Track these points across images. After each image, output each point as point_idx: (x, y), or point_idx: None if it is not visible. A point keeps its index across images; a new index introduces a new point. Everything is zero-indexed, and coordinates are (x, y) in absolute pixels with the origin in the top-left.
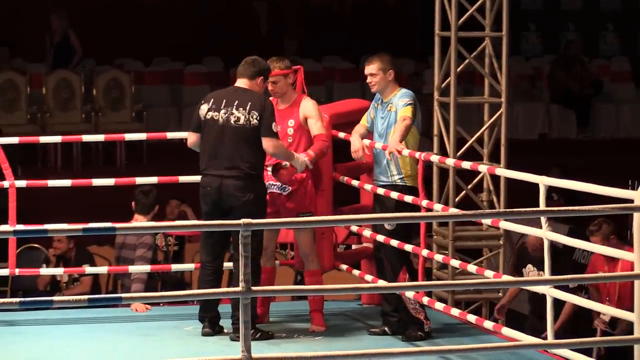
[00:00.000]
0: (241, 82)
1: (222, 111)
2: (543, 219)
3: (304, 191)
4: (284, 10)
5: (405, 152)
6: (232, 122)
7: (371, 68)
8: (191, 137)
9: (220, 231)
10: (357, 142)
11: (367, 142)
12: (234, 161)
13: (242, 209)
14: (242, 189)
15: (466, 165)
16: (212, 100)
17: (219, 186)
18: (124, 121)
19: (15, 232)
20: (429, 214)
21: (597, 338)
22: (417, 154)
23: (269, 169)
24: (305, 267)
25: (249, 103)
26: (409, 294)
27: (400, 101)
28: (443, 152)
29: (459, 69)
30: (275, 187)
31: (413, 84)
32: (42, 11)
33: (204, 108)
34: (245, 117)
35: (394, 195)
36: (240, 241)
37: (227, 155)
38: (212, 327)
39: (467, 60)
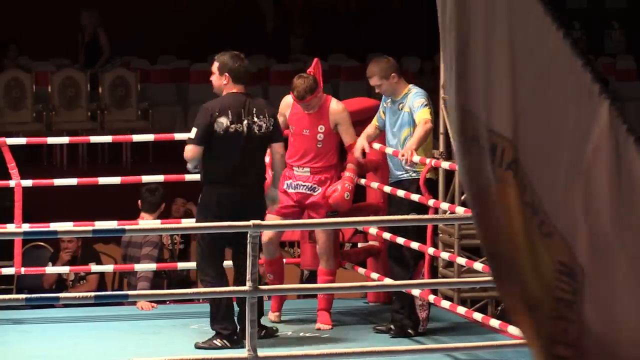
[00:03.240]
0: (241, 89)
1: (245, 122)
2: None
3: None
4: (290, 8)
5: (416, 158)
6: (256, 131)
7: (373, 80)
8: (197, 151)
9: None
10: (359, 141)
11: (377, 145)
12: (260, 170)
13: (257, 214)
14: (262, 195)
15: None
16: (229, 111)
17: (243, 199)
18: (129, 119)
19: (25, 234)
20: (437, 216)
21: None
22: (427, 160)
23: (297, 169)
24: (320, 265)
25: (265, 109)
26: (416, 292)
27: (415, 102)
28: (449, 150)
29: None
30: (305, 187)
31: (419, 82)
32: (48, 8)
33: (223, 121)
34: (266, 124)
35: (401, 193)
36: (248, 241)
37: (255, 165)
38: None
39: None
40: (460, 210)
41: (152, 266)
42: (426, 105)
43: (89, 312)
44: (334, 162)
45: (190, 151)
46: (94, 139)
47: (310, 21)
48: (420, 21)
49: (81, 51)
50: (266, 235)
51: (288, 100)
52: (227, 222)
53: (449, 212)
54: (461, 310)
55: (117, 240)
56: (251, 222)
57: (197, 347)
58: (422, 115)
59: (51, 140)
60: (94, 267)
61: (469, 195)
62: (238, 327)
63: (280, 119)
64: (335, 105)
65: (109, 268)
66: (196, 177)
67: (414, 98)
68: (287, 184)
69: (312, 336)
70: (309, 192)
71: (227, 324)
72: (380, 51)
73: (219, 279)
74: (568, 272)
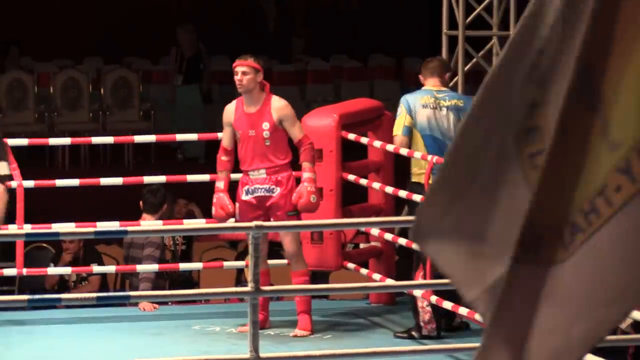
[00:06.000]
0: None
1: None
2: None
3: (289, 190)
4: (292, 8)
5: (418, 154)
6: None
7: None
8: None
9: None
10: None
11: (377, 143)
12: None
13: None
14: None
15: None
16: None
17: None
18: (131, 120)
19: (27, 235)
20: None
21: (608, 337)
22: (429, 157)
23: (252, 173)
24: (291, 268)
25: None
26: (418, 293)
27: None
28: None
29: (466, 68)
30: (263, 189)
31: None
32: (51, 9)
33: None
34: None
35: (403, 194)
36: (250, 242)
37: None
38: None
39: (474, 60)
40: None
41: (154, 267)
42: (399, 114)
43: (90, 313)
44: (287, 160)
45: None
46: (96, 139)
47: (312, 21)
48: (423, 21)
49: (181, 67)
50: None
51: (229, 108)
52: None
53: None
54: (463, 311)
55: (119, 241)
56: (254, 223)
57: None
58: (394, 129)
59: (53, 141)
60: (96, 268)
61: None
62: None
63: (228, 130)
64: (277, 102)
65: (110, 269)
66: (199, 178)
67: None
68: (246, 191)
69: (314, 337)
70: (267, 194)
71: None
72: (382, 52)
73: None
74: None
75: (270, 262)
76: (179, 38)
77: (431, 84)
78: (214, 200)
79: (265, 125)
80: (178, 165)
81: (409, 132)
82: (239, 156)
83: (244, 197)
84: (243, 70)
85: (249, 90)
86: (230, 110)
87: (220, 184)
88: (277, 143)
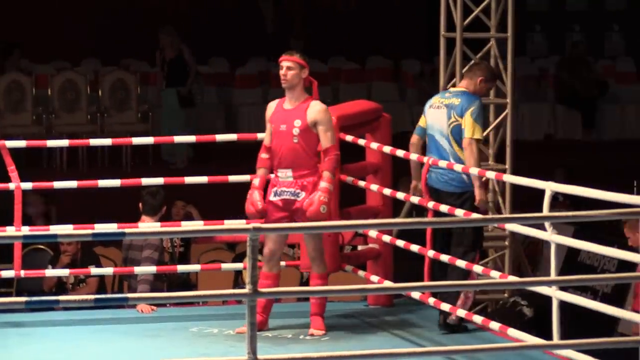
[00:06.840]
0: None
1: None
2: (547, 223)
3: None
4: (290, 10)
5: (414, 156)
6: None
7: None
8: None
9: None
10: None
11: (374, 145)
12: None
13: None
14: None
15: (473, 171)
16: None
17: None
18: (129, 122)
19: (24, 237)
20: (436, 219)
21: (604, 339)
22: (424, 159)
23: (280, 173)
24: (312, 269)
25: None
26: (416, 294)
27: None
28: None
29: (464, 70)
30: (289, 192)
31: (419, 85)
32: (49, 11)
33: None
34: None
35: (401, 195)
36: (247, 244)
37: None
38: None
39: (472, 61)
40: (460, 213)
41: (152, 269)
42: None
43: (88, 315)
44: (314, 163)
45: None
46: (94, 141)
47: (311, 23)
48: (421, 23)
49: (162, 70)
50: (267, 248)
51: (271, 105)
52: None
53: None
54: (461, 313)
55: (117, 243)
56: (251, 225)
57: None
58: None
59: (51, 143)
60: (94, 270)
61: None
62: None
63: (269, 126)
64: (317, 105)
65: (108, 271)
66: (196, 179)
67: None
68: (274, 192)
69: (311, 339)
70: (293, 197)
71: None
72: (381, 54)
73: None
74: None
75: None
76: (161, 42)
77: (459, 84)
78: (247, 196)
79: (297, 123)
80: (177, 167)
81: (420, 131)
82: (272, 151)
83: (272, 198)
84: (288, 66)
85: (293, 85)
86: (270, 107)
87: (255, 181)
88: (305, 143)
